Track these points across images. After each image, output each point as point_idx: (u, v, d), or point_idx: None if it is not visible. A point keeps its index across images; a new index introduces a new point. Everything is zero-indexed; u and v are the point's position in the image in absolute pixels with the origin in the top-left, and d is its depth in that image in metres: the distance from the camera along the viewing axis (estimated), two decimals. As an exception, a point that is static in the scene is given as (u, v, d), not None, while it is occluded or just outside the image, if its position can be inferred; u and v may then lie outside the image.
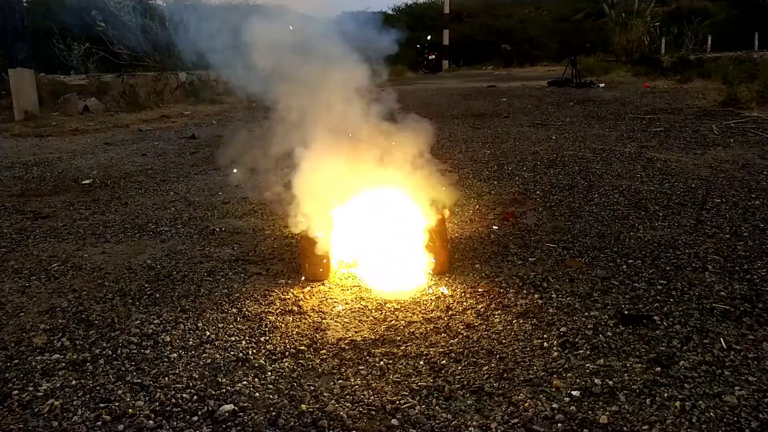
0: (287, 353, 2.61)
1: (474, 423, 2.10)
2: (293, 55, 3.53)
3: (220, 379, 2.41)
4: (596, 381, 2.30)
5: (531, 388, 2.29)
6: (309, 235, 3.38)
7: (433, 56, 23.22)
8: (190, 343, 2.72)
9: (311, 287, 3.30)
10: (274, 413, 2.19)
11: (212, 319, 2.95)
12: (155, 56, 14.10)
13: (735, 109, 9.30)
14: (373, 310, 3.01)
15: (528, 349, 2.58)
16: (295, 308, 3.06)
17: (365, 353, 2.60)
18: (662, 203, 4.66)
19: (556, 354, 2.53)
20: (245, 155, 3.81)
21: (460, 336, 2.72)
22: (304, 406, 2.23)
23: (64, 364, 2.56)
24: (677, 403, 2.15)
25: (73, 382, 2.42)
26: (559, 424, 2.07)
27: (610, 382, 2.29)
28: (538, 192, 5.17)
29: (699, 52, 16.95)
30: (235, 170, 4.71)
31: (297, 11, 3.83)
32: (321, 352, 2.62)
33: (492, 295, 3.12)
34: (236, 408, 2.22)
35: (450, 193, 3.82)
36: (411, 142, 3.63)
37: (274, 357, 2.58)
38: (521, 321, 2.83)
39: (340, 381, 2.39)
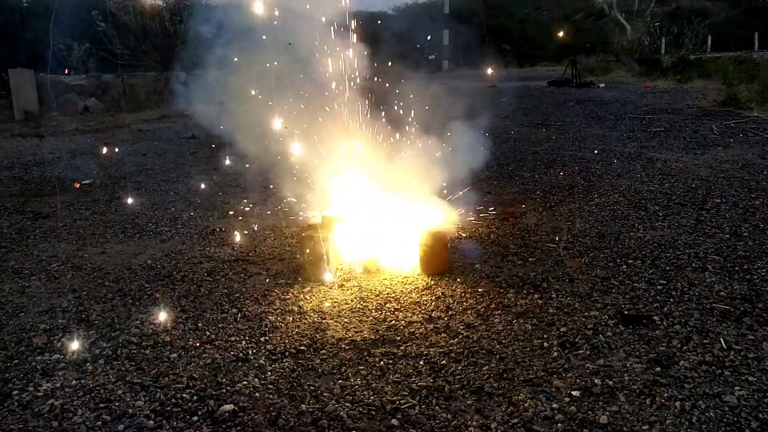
0: (287, 353, 2.61)
1: (474, 423, 2.10)
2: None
3: (220, 379, 2.41)
4: (596, 381, 2.30)
5: (531, 388, 2.29)
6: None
7: (433, 57, 23.23)
8: (190, 343, 2.72)
9: (311, 287, 3.30)
10: (274, 413, 2.19)
11: (212, 319, 2.95)
12: (155, 56, 14.08)
13: (735, 109, 9.31)
14: (373, 310, 3.01)
15: (528, 349, 2.58)
16: (295, 308, 3.06)
17: (365, 353, 2.60)
18: (662, 203, 4.66)
19: (556, 354, 2.53)
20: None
21: (460, 336, 2.72)
22: (303, 406, 2.23)
23: (64, 364, 2.56)
24: (677, 403, 2.15)
25: (73, 382, 2.42)
26: (559, 424, 2.07)
27: (610, 382, 2.29)
28: (538, 192, 5.17)
29: (699, 52, 16.93)
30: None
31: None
32: (321, 352, 2.62)
33: (492, 295, 3.12)
34: (236, 408, 2.22)
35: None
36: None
37: (274, 357, 2.58)
38: (521, 321, 2.83)
39: (340, 381, 2.39)
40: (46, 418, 2.20)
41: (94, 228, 4.54)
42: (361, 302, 3.11)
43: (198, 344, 2.70)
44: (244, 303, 3.13)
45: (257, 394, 2.31)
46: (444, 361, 2.50)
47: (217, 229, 4.42)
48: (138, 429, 2.13)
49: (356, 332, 2.79)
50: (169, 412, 2.21)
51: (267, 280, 3.43)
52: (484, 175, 5.87)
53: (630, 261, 3.50)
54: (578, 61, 14.57)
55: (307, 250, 3.37)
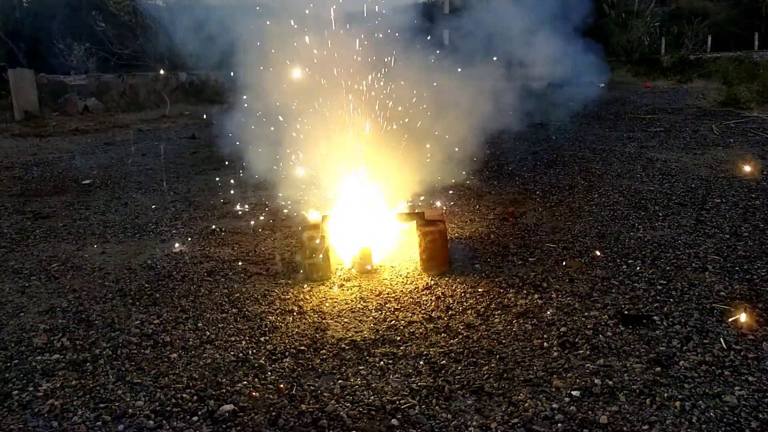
0: (287, 353, 2.61)
1: (474, 423, 2.10)
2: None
3: (220, 379, 2.41)
4: (596, 381, 2.30)
5: (531, 388, 2.29)
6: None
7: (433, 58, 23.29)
8: (190, 343, 2.72)
9: (311, 287, 3.30)
10: (274, 413, 2.19)
11: (212, 319, 2.95)
12: (155, 56, 14.10)
13: (735, 109, 9.30)
14: (373, 310, 3.01)
15: (528, 349, 2.58)
16: (295, 308, 3.06)
17: (365, 353, 2.60)
18: (662, 203, 4.66)
19: (556, 354, 2.53)
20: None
21: (460, 336, 2.72)
22: (303, 406, 2.23)
23: (64, 364, 2.56)
24: (677, 403, 2.15)
25: (73, 382, 2.42)
26: (559, 424, 2.07)
27: (610, 382, 2.29)
28: (538, 192, 5.17)
29: (699, 52, 16.92)
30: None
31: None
32: (321, 352, 2.62)
33: (492, 295, 3.12)
34: (236, 408, 2.22)
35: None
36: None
37: (274, 357, 2.58)
38: (521, 321, 2.83)
39: (340, 381, 2.39)
40: (46, 418, 2.20)
41: (94, 228, 4.54)
42: (361, 302, 3.11)
43: (198, 344, 2.70)
44: (244, 303, 3.13)
45: (257, 394, 2.31)
46: (444, 361, 2.50)
47: (217, 230, 4.42)
48: (138, 429, 2.13)
49: (356, 332, 2.79)
50: (169, 412, 2.21)
51: (267, 280, 3.43)
52: (483, 174, 5.87)
53: (630, 261, 3.50)
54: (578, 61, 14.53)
55: (307, 250, 3.36)
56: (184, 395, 2.31)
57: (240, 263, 3.70)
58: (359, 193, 3.81)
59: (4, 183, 6.18)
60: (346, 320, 2.92)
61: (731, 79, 11.10)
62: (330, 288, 3.29)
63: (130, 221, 4.70)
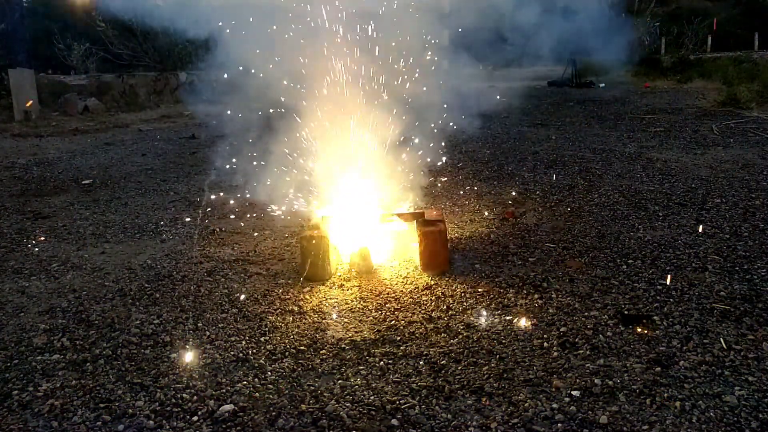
0: (287, 353, 2.61)
1: (474, 423, 2.10)
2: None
3: (220, 379, 2.41)
4: (596, 381, 2.30)
5: (531, 388, 2.29)
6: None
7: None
8: (190, 343, 2.72)
9: (311, 287, 3.30)
10: (274, 413, 2.19)
11: (212, 319, 2.95)
12: (155, 56, 14.10)
13: (735, 109, 9.31)
14: (373, 310, 3.01)
15: (528, 349, 2.58)
16: (295, 308, 3.06)
17: (365, 353, 2.60)
18: (662, 203, 4.66)
19: (556, 354, 2.52)
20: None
21: (460, 336, 2.72)
22: (303, 406, 2.23)
23: (64, 364, 2.56)
24: (677, 403, 2.15)
25: (73, 382, 2.42)
26: (559, 424, 2.07)
27: (610, 382, 2.29)
28: (538, 192, 5.17)
29: (699, 52, 16.93)
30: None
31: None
32: (321, 352, 2.62)
33: (492, 295, 3.12)
34: (236, 408, 2.22)
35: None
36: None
37: (274, 357, 2.58)
38: (521, 321, 2.83)
39: (340, 381, 2.39)
40: (46, 418, 2.20)
41: (94, 228, 4.54)
42: (361, 302, 3.11)
43: (198, 344, 2.70)
44: (244, 303, 3.13)
45: (257, 394, 2.31)
46: (444, 361, 2.50)
47: (217, 229, 4.42)
48: (138, 429, 2.13)
49: (356, 332, 2.79)
50: (169, 412, 2.21)
51: (267, 280, 3.42)
52: (483, 174, 5.87)
53: (630, 261, 3.50)
54: (578, 60, 14.55)
55: (307, 250, 3.36)
56: (184, 395, 2.31)
57: (240, 263, 3.70)
58: (359, 193, 3.81)
59: (4, 183, 6.18)
60: (346, 320, 2.92)
61: (731, 79, 11.10)
62: (330, 288, 3.29)
63: (130, 221, 4.70)
